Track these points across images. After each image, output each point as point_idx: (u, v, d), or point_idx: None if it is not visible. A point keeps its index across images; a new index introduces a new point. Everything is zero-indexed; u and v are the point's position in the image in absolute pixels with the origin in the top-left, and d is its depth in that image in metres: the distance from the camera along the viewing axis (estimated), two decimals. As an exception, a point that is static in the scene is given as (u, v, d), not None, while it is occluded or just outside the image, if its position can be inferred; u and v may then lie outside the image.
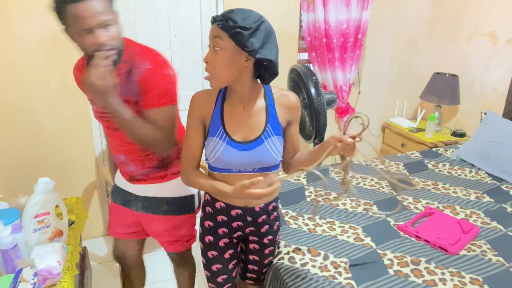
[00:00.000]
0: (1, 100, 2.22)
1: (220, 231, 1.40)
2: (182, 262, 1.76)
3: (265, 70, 1.20)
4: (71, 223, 1.76)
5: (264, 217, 1.39)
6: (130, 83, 1.31)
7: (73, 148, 2.46)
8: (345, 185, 1.25)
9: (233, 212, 1.36)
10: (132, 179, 1.55)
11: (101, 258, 2.56)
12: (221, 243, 1.42)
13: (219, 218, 1.39)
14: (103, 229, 2.74)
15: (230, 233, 1.41)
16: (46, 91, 2.29)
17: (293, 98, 1.32)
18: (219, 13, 2.55)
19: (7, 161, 2.33)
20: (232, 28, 1.10)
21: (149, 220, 1.60)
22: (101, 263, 2.52)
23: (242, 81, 1.21)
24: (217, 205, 1.37)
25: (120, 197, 1.62)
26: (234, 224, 1.38)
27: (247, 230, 1.41)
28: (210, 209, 1.40)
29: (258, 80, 1.28)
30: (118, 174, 1.65)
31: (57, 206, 1.54)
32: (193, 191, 1.61)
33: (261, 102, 1.28)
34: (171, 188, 1.55)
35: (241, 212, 1.36)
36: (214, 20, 1.14)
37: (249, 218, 1.37)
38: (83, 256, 1.92)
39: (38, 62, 2.23)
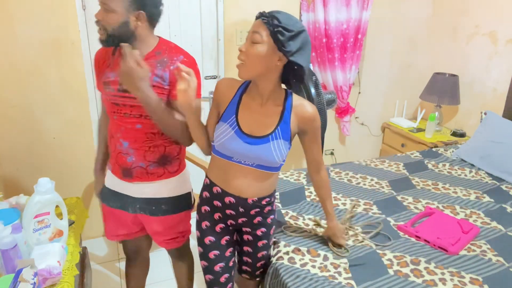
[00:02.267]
0: (1, 100, 2.22)
1: (216, 215, 1.44)
2: (181, 255, 1.78)
3: (293, 75, 1.26)
4: (71, 223, 1.75)
5: (257, 209, 1.42)
6: (162, 72, 1.38)
7: (73, 148, 2.46)
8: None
9: (227, 200, 1.39)
10: (126, 174, 1.49)
11: (101, 258, 2.57)
12: (218, 228, 1.45)
13: (215, 202, 1.42)
14: (103, 229, 2.73)
15: (224, 218, 1.44)
16: (46, 91, 2.29)
17: (309, 109, 1.35)
18: (219, 13, 2.61)
19: (7, 161, 2.33)
20: (275, 26, 1.15)
21: (147, 220, 1.60)
22: (101, 263, 2.52)
23: (268, 79, 1.27)
24: (214, 189, 1.42)
25: (116, 201, 1.59)
26: (228, 211, 1.42)
27: (239, 221, 1.43)
28: (207, 194, 1.45)
29: (283, 85, 1.34)
30: (109, 175, 1.61)
31: (57, 206, 1.54)
32: (190, 188, 1.65)
33: (279, 105, 1.33)
34: (169, 187, 1.55)
35: (234, 201, 1.39)
36: (261, 15, 1.19)
37: (241, 209, 1.40)
38: (83, 256, 1.92)
39: (38, 62, 2.23)
